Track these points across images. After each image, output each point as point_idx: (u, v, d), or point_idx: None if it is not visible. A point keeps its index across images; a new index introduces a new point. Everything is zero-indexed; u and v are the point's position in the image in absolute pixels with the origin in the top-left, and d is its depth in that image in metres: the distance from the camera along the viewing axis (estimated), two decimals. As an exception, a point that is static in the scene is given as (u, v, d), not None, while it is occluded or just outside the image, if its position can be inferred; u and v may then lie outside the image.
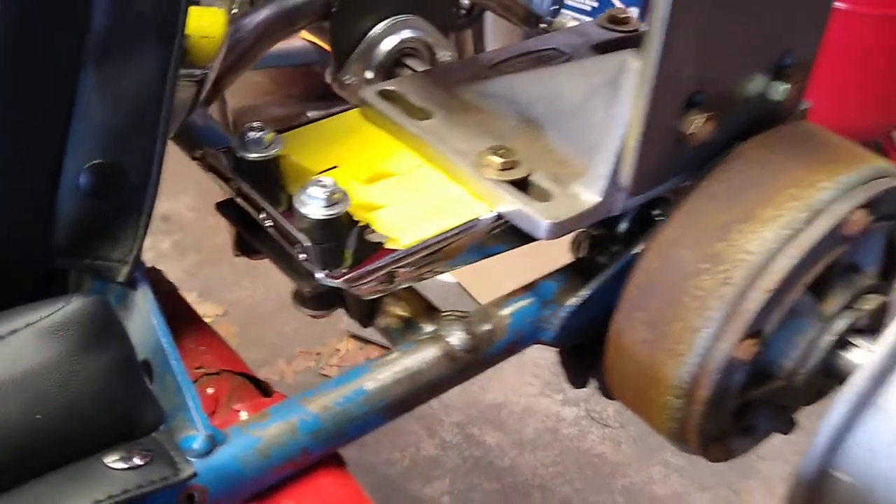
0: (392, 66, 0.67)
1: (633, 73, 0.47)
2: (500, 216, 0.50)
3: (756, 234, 0.47)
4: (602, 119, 0.51)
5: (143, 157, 0.44)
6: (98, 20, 0.43)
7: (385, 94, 0.58)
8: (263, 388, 0.55)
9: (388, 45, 0.67)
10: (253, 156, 0.50)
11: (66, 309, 0.39)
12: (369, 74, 0.69)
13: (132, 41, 0.44)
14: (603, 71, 0.53)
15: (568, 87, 0.54)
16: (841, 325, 0.50)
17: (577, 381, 0.61)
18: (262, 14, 0.63)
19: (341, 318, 1.06)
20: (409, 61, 0.66)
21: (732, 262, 0.47)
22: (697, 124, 0.49)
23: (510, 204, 0.50)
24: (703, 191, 0.50)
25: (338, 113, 0.58)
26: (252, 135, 0.51)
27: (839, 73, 1.52)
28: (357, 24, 0.69)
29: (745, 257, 0.47)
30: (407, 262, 0.48)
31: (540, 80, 0.57)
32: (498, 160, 0.51)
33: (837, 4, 1.32)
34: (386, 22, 0.67)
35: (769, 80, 0.53)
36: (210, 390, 0.53)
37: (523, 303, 0.54)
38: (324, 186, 0.47)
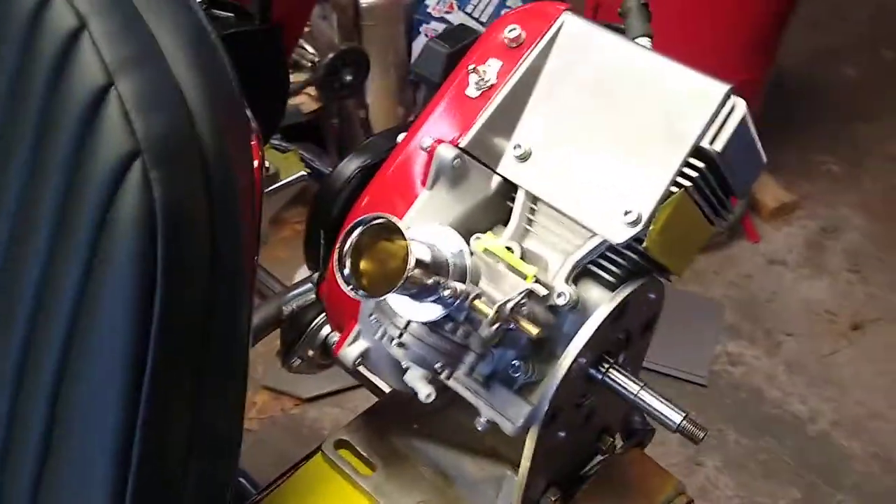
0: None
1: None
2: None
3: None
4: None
5: None
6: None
7: (339, 444, 0.81)
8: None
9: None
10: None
11: None
12: (311, 352, 0.92)
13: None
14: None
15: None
16: None
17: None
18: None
19: (255, 369, 1.24)
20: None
21: None
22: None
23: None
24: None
25: (305, 460, 0.81)
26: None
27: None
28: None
29: None
30: None
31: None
32: (424, 518, 0.76)
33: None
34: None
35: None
36: None
37: None
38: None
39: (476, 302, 0.53)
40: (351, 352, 0.68)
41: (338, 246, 0.49)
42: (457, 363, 0.57)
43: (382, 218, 0.48)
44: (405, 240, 0.47)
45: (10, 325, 0.57)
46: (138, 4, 0.55)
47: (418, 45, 2.22)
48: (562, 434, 0.70)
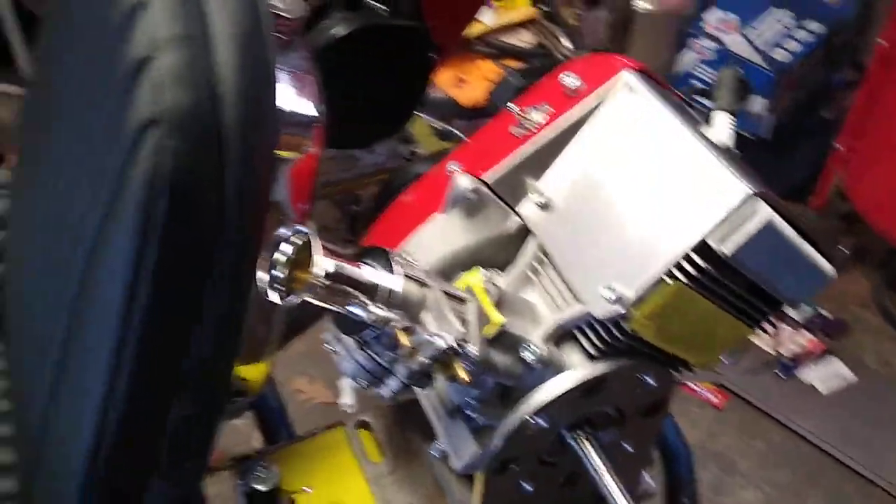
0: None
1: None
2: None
3: None
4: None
5: None
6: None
7: (361, 424, 0.86)
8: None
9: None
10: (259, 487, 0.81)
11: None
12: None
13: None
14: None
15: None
16: None
17: None
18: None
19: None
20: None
21: None
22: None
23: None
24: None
25: (328, 428, 0.87)
26: (259, 472, 0.81)
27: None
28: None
29: None
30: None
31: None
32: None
33: None
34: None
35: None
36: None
37: None
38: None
39: (398, 331, 0.55)
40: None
41: (269, 255, 0.54)
42: (379, 383, 0.60)
43: (301, 233, 0.52)
44: (317, 253, 0.51)
45: (59, 254, 0.68)
46: None
47: (684, 57, 2.15)
48: (527, 486, 0.69)
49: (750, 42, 2.07)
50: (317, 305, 0.56)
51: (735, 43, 2.09)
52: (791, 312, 0.67)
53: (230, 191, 0.62)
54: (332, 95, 0.81)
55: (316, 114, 0.69)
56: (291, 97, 0.76)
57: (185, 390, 0.67)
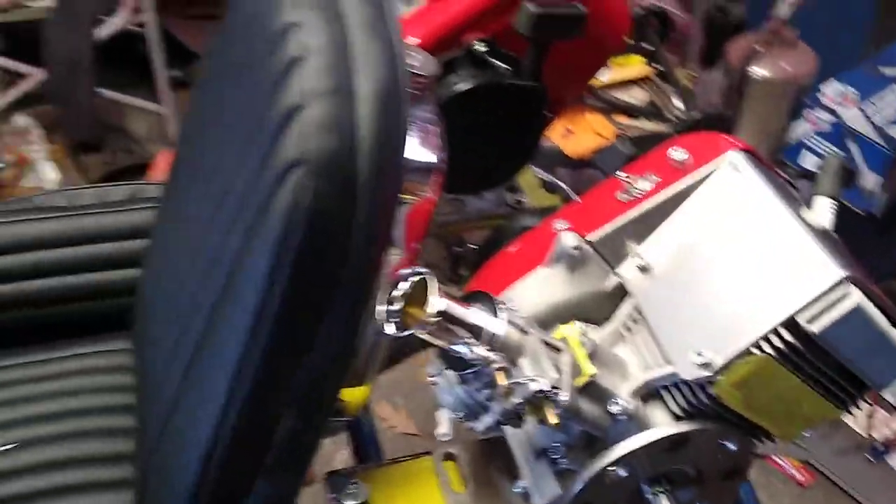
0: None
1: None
2: None
3: None
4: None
5: None
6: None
7: (447, 455, 0.91)
8: None
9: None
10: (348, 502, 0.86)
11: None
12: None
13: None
14: None
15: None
16: None
17: None
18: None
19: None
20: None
21: None
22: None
23: None
24: None
25: (417, 455, 0.92)
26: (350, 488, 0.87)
27: None
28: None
29: None
30: None
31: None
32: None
33: None
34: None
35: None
36: None
37: None
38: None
39: (497, 372, 0.60)
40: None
41: (388, 290, 0.59)
42: (475, 418, 0.64)
43: (419, 273, 0.57)
44: (432, 294, 0.56)
45: (198, 269, 0.76)
46: (352, 45, 0.70)
47: (798, 127, 2.14)
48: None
49: (867, 118, 2.05)
50: (421, 339, 0.61)
51: (852, 118, 2.07)
52: (888, 396, 0.69)
53: (357, 230, 0.68)
54: (450, 144, 0.87)
55: (436, 162, 0.75)
56: (416, 146, 0.83)
57: (296, 405, 0.74)
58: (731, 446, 0.69)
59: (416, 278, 0.59)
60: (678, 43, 2.42)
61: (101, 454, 0.89)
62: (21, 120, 2.33)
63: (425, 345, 1.00)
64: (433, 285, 0.57)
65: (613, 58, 2.31)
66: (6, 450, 0.88)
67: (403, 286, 0.60)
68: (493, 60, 0.97)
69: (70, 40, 2.25)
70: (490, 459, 0.91)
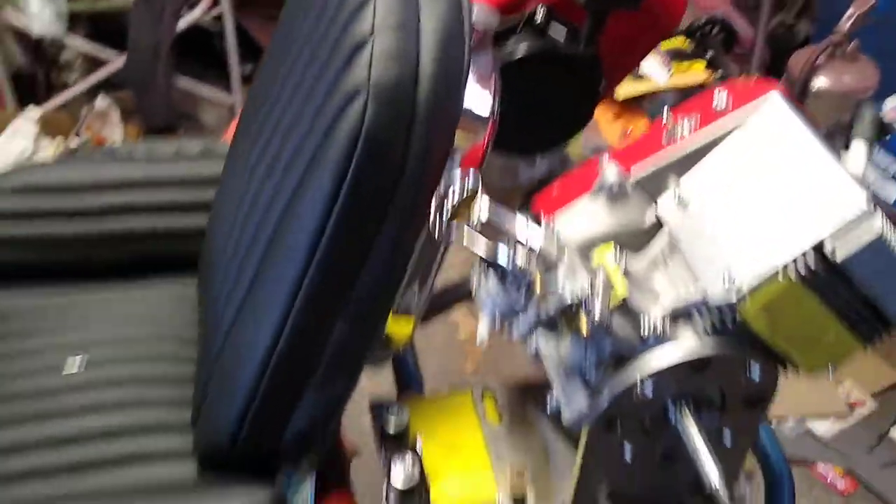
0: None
1: None
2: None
3: None
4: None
5: None
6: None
7: (486, 391, 0.95)
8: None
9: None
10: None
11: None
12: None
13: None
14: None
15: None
16: None
17: None
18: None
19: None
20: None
21: None
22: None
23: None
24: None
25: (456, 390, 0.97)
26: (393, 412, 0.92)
27: None
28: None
29: None
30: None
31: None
32: (511, 478, 0.87)
33: None
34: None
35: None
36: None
37: None
38: (406, 465, 0.86)
39: (535, 277, 0.65)
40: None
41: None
42: (512, 320, 0.69)
43: (471, 176, 0.63)
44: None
45: (265, 191, 0.82)
46: None
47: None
48: (626, 454, 0.76)
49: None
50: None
51: (908, 132, 2.07)
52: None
53: (413, 151, 0.74)
54: (506, 105, 0.92)
55: (491, 110, 0.81)
56: (473, 92, 0.88)
57: (348, 319, 0.79)
58: (756, 373, 0.72)
59: (468, 181, 0.64)
60: (740, 55, 2.44)
61: (169, 377, 0.96)
62: (103, 102, 2.46)
63: (463, 297, 1.06)
64: (481, 187, 0.63)
65: (675, 60, 2.34)
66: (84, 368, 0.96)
67: (455, 186, 0.65)
68: (553, 27, 1.02)
69: (153, 30, 2.36)
70: (524, 399, 0.95)
